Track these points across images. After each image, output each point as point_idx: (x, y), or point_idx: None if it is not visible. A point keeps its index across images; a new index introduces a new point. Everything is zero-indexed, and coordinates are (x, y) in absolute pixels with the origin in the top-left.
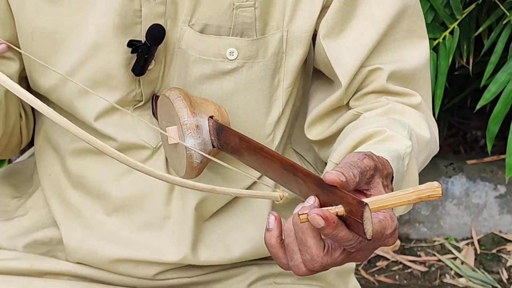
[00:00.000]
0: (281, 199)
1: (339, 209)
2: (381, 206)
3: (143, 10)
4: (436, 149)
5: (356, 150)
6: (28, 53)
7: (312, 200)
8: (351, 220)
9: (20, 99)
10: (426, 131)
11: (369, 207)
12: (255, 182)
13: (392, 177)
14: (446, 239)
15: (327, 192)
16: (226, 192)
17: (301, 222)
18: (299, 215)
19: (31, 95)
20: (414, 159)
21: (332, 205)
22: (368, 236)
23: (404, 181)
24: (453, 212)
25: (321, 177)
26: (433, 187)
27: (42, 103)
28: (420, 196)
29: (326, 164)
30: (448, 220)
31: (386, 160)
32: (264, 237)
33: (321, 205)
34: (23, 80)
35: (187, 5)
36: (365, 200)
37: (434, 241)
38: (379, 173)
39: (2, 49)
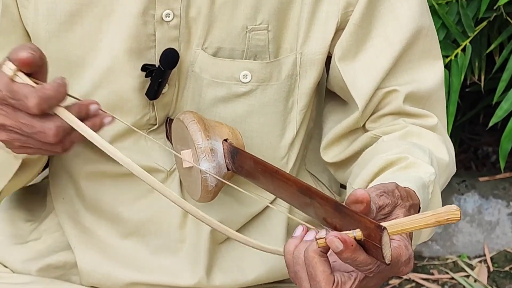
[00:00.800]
0: None
1: (357, 233)
2: (400, 230)
3: (157, 34)
4: (453, 170)
5: (378, 178)
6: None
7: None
8: (369, 244)
9: None
10: (445, 154)
11: (388, 231)
12: (268, 205)
13: (419, 208)
14: (459, 256)
15: (345, 216)
16: (240, 239)
17: (318, 247)
18: (316, 239)
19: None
20: (438, 186)
21: (349, 230)
22: (387, 261)
23: (429, 209)
24: (465, 229)
25: (350, 196)
26: (451, 210)
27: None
28: (439, 220)
29: (340, 185)
30: (460, 238)
31: (413, 191)
32: (286, 243)
33: (339, 229)
34: None
35: (200, 28)
36: (383, 223)
37: (447, 259)
38: (399, 207)
39: (108, 122)
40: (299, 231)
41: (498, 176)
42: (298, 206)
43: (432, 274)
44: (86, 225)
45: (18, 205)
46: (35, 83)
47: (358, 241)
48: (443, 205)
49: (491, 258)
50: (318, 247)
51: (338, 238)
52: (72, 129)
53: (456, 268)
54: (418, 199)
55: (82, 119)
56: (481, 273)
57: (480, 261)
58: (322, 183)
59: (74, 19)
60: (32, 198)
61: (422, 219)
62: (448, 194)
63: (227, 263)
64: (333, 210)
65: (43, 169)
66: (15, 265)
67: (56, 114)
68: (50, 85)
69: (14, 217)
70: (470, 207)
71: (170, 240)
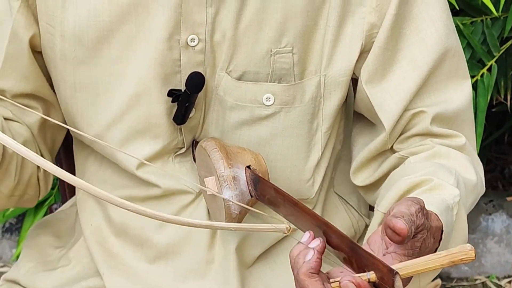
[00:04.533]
0: (288, 231)
1: (371, 275)
2: (414, 271)
3: (182, 59)
4: (482, 190)
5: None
6: (71, 103)
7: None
8: (383, 287)
9: (40, 151)
10: (473, 174)
11: (400, 276)
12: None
13: (442, 231)
14: (488, 277)
15: (359, 256)
16: (226, 227)
17: None
18: (330, 282)
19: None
20: (463, 208)
21: (362, 268)
22: None
23: (454, 230)
24: (494, 249)
25: (388, 223)
26: (466, 250)
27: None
28: (453, 260)
29: (369, 207)
30: (489, 258)
31: (435, 214)
32: (292, 248)
33: (354, 267)
34: (49, 129)
35: (225, 52)
36: (397, 265)
37: (476, 280)
38: (430, 232)
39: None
40: (306, 237)
41: None
42: None
43: None
44: (114, 251)
45: (46, 232)
46: None
47: (373, 283)
48: (469, 226)
49: None
50: None
51: (352, 282)
52: None
53: None
54: (441, 221)
55: None
56: None
57: (509, 282)
58: (351, 206)
59: (101, 45)
60: (61, 224)
61: (436, 260)
62: (475, 214)
63: (258, 286)
64: (347, 249)
65: (70, 196)
66: None
67: None
68: None
69: (43, 243)
70: (498, 227)
71: (199, 262)
